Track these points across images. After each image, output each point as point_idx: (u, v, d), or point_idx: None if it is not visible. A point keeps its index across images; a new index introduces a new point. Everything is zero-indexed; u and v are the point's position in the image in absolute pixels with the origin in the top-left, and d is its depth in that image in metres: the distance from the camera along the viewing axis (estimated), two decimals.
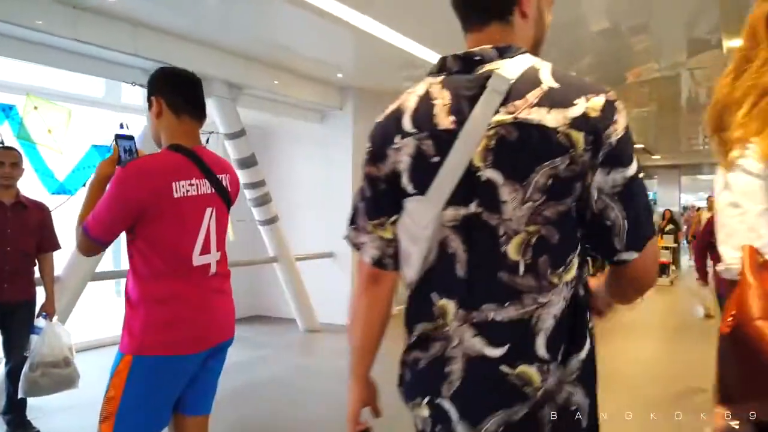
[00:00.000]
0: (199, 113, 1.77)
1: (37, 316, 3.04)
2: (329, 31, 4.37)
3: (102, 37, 3.94)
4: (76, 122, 4.07)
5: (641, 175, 0.91)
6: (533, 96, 0.88)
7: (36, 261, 3.11)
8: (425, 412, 0.97)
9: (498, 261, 0.90)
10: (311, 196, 6.54)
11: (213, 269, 1.74)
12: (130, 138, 1.84)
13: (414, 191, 0.96)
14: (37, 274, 3.14)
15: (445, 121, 0.93)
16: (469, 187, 0.91)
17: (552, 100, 0.88)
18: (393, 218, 1.01)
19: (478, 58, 0.94)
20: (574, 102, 0.87)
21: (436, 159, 0.92)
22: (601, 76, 5.85)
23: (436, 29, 4.34)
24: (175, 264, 1.64)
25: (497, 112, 0.89)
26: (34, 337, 2.93)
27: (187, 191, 1.66)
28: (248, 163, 5.41)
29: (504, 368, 0.89)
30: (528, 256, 0.89)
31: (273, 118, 6.14)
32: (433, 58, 4.76)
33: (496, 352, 0.90)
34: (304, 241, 6.38)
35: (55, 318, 3.09)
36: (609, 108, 0.88)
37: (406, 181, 0.96)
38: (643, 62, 5.56)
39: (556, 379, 0.89)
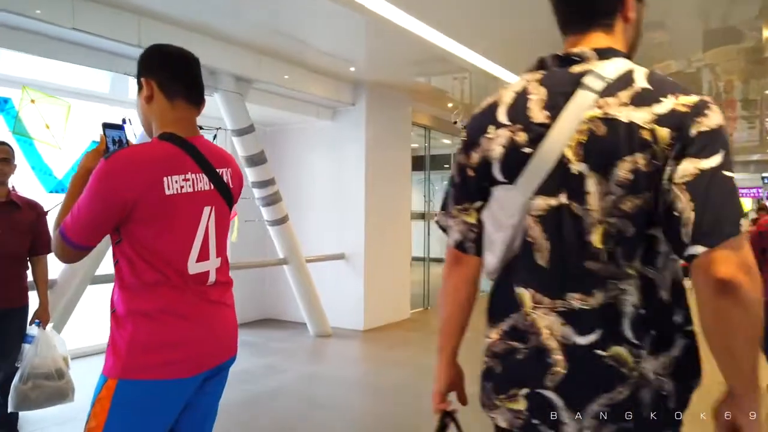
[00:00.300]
0: (195, 97, 1.54)
1: (30, 324, 2.84)
2: (342, 19, 4.15)
3: (104, 27, 3.75)
4: (77, 117, 3.87)
5: (726, 172, 0.87)
6: (625, 95, 0.92)
7: (29, 264, 2.91)
8: (521, 404, 0.98)
9: (584, 250, 0.93)
10: (322, 196, 6.36)
11: (212, 278, 1.51)
12: (120, 127, 1.62)
13: (504, 180, 1.00)
14: (30, 278, 2.93)
15: (539, 115, 0.97)
16: (560, 178, 0.94)
17: (641, 99, 0.92)
18: (477, 204, 1.07)
19: (577, 58, 1.00)
20: (661, 99, 0.91)
21: (527, 150, 0.97)
22: None
23: (457, 16, 4.13)
24: (168, 272, 1.41)
25: (591, 108, 0.93)
26: (26, 347, 2.74)
27: (182, 187, 1.42)
28: (257, 160, 5.20)
29: (598, 351, 0.93)
30: (609, 245, 0.93)
31: (283, 114, 5.95)
32: (454, 48, 4.51)
33: (587, 339, 0.93)
34: (315, 242, 6.19)
35: (49, 326, 2.89)
36: (701, 105, 0.90)
37: (496, 170, 1.01)
38: (659, 59, 5.36)
39: (651, 367, 0.92)
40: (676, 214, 0.87)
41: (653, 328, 0.93)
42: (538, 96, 0.99)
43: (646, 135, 0.89)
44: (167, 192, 1.39)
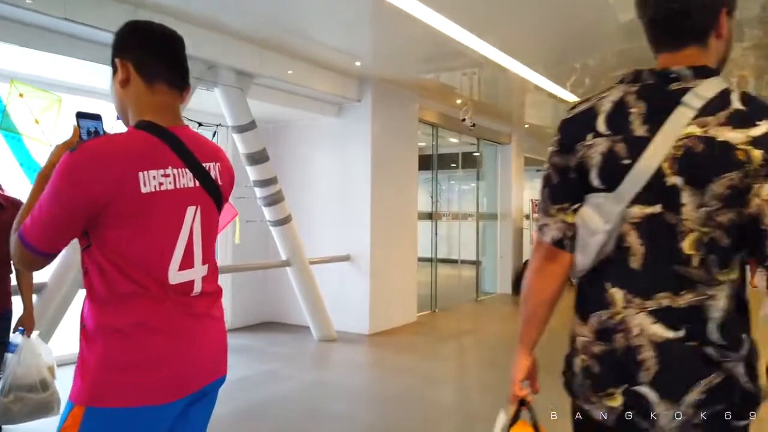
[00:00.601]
0: (178, 80, 1.35)
1: (14, 331, 2.66)
2: (348, 9, 3.95)
3: (98, 17, 3.58)
4: (70, 112, 3.69)
5: None
6: (723, 115, 0.99)
7: (12, 268, 2.73)
8: (617, 401, 1.05)
9: (674, 255, 1.01)
10: (327, 195, 6.18)
11: (197, 288, 1.32)
12: (97, 117, 1.42)
13: (601, 187, 1.07)
14: (13, 282, 2.76)
15: (639, 128, 1.04)
16: (655, 189, 1.02)
17: (737, 120, 0.98)
18: (576, 206, 1.12)
19: (674, 75, 1.05)
20: (757, 123, 0.98)
21: (627, 161, 1.04)
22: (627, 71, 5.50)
23: (468, 3, 3.92)
24: (145, 282, 1.23)
25: (689, 125, 1.00)
26: (8, 356, 2.57)
27: (161, 184, 1.23)
28: (259, 158, 5.02)
29: (691, 343, 1.00)
30: (701, 252, 1.00)
31: (286, 110, 5.77)
32: (464, 38, 4.31)
33: (677, 334, 1.01)
34: (319, 243, 6.01)
35: (34, 333, 2.71)
36: None
37: (593, 176, 1.08)
38: None
39: (733, 365, 1.00)
40: (762, 227, 0.96)
41: (745, 333, 1.02)
42: (637, 109, 1.05)
43: (740, 155, 0.96)
44: (143, 189, 1.20)
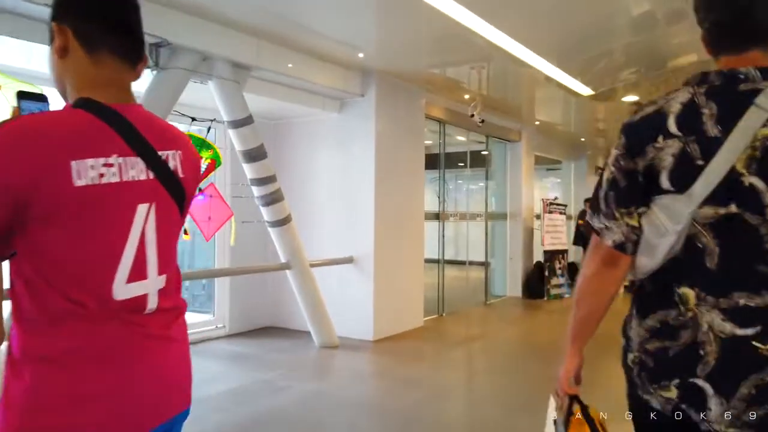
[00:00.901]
0: (129, 51, 1.11)
1: None
2: None
3: None
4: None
5: None
6: None
7: None
8: (672, 393, 1.09)
9: (758, 255, 1.03)
10: (328, 194, 5.94)
11: (152, 304, 1.09)
12: (42, 99, 1.19)
13: (671, 189, 1.08)
14: None
15: (713, 129, 1.05)
16: (730, 189, 1.03)
17: None
18: (642, 209, 1.14)
19: (742, 76, 1.06)
20: None
21: (700, 162, 1.05)
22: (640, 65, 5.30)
23: None
24: (82, 299, 1.00)
25: (765, 126, 1.01)
26: None
27: (101, 175, 1.00)
28: (256, 155, 4.78)
29: (756, 344, 1.02)
30: None
31: (285, 105, 5.52)
32: (474, 24, 4.04)
33: (747, 332, 1.02)
34: (321, 245, 5.78)
35: (4, 345, 2.47)
36: None
37: (664, 179, 1.09)
38: (681, 53, 5.02)
39: None
40: None
41: None
42: (709, 110, 1.05)
43: None
44: (77, 182, 0.96)
